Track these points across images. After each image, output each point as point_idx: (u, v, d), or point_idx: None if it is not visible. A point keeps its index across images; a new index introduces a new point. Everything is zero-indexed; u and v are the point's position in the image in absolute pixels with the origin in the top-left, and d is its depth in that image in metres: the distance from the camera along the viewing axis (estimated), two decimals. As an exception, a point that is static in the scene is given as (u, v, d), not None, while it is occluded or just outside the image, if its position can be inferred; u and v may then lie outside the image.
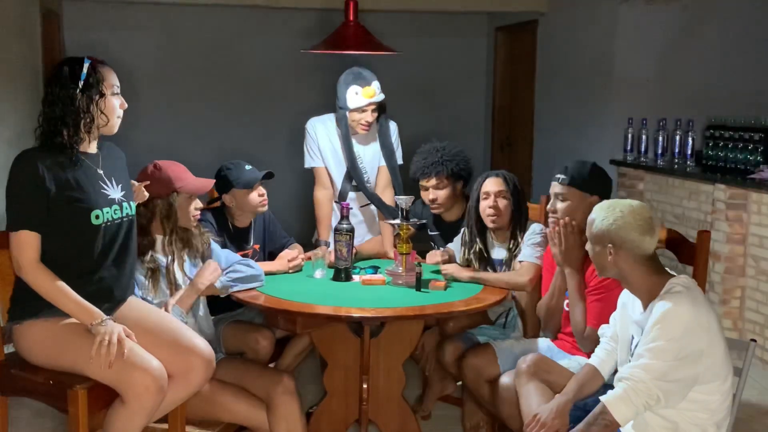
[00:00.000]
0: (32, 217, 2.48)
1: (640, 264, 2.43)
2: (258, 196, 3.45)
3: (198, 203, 3.09)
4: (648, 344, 2.32)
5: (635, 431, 2.41)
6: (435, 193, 3.68)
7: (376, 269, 3.48)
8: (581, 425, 2.37)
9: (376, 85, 3.67)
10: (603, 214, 2.47)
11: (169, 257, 2.97)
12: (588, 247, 2.56)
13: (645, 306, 2.44)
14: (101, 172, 2.62)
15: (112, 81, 2.61)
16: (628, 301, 2.58)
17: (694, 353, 2.29)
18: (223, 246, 3.31)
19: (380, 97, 3.68)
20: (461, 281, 3.30)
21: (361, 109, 3.67)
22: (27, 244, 2.48)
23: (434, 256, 3.55)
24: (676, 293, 2.35)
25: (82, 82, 2.52)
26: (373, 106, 3.68)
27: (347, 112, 3.69)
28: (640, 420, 2.40)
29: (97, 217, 2.55)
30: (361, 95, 3.64)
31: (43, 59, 6.32)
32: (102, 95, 2.56)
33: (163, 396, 2.52)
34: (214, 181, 3.18)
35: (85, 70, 2.53)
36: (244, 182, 3.41)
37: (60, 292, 2.50)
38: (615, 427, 2.35)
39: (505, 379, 2.97)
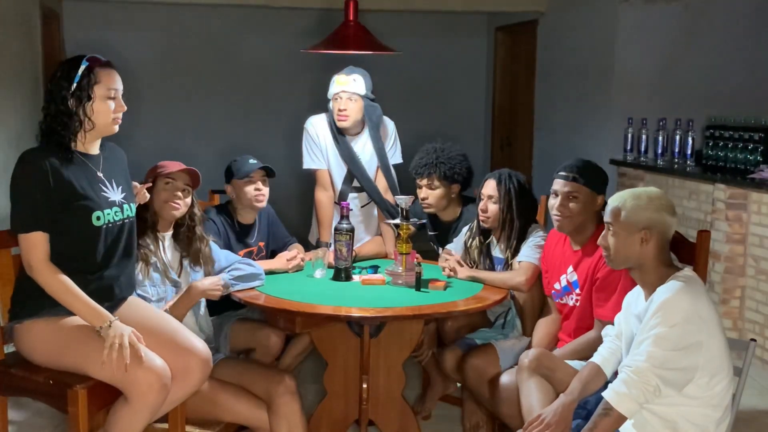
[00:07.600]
0: (41, 217, 2.47)
1: (661, 250, 2.44)
2: (254, 190, 3.45)
3: (177, 187, 2.97)
4: (648, 332, 2.33)
5: (635, 430, 2.41)
6: (426, 192, 3.65)
7: (375, 269, 3.48)
8: (589, 424, 2.36)
9: (357, 78, 3.71)
10: (632, 201, 2.45)
11: (152, 246, 2.95)
12: (609, 239, 2.48)
13: (647, 297, 2.45)
14: (101, 174, 2.61)
15: (110, 84, 2.55)
16: (632, 300, 2.57)
17: (693, 343, 2.30)
18: (227, 245, 3.31)
19: (354, 87, 3.70)
20: (459, 278, 3.30)
21: (334, 96, 3.74)
22: (37, 244, 2.47)
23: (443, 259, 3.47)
24: (676, 283, 2.37)
25: (75, 85, 2.49)
26: (347, 95, 3.70)
27: (330, 104, 3.79)
28: (640, 419, 2.40)
29: (98, 218, 2.54)
30: (335, 82, 3.74)
31: (43, 59, 6.31)
32: (89, 99, 2.51)
33: (166, 394, 2.52)
34: (183, 165, 3.05)
35: (80, 72, 2.50)
36: (242, 173, 3.43)
37: (70, 292, 2.49)
38: (622, 421, 2.35)
39: (506, 378, 2.96)
